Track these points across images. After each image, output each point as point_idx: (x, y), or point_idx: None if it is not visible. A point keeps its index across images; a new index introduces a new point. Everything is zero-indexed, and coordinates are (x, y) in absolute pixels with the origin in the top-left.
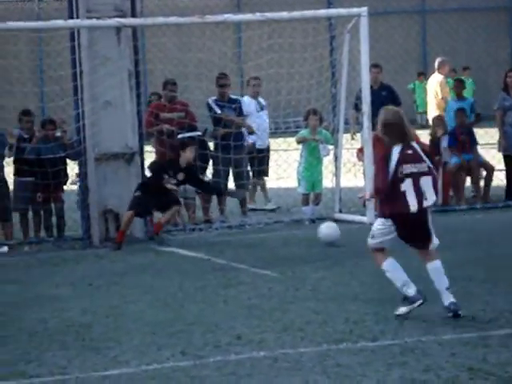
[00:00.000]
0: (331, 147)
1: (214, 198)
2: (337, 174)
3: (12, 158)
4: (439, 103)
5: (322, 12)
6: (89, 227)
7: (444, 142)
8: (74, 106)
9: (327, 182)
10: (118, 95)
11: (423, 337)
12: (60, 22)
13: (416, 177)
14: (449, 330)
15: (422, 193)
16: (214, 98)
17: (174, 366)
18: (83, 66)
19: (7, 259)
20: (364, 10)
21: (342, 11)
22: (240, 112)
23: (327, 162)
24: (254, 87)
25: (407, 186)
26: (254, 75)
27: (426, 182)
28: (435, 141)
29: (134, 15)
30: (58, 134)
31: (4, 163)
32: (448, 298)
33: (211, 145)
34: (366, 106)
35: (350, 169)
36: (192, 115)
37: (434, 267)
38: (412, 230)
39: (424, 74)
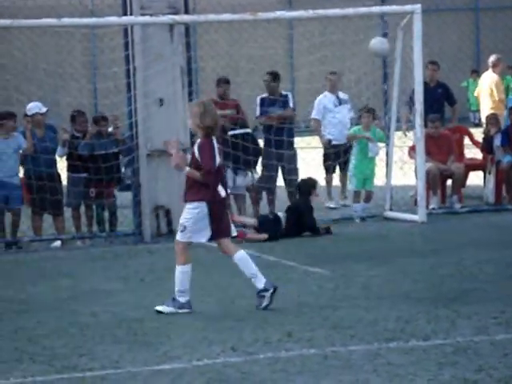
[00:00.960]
0: (382, 145)
1: (264, 196)
2: (388, 172)
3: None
4: (495, 103)
5: (376, 9)
6: (140, 223)
7: (497, 141)
8: (126, 103)
9: (378, 179)
10: (170, 92)
11: (475, 337)
12: (114, 19)
13: (222, 167)
14: (501, 330)
15: (225, 182)
16: (264, 95)
17: (225, 361)
18: (136, 62)
19: (60, 253)
20: (417, 7)
21: (396, 8)
22: (285, 107)
23: (378, 159)
24: (331, 82)
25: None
26: (332, 70)
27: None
28: (488, 139)
29: (187, 12)
30: (111, 129)
31: (57, 158)
32: (261, 281)
33: (261, 141)
34: (418, 104)
35: (401, 167)
36: (243, 112)
37: (241, 257)
38: (221, 217)
39: (477, 72)
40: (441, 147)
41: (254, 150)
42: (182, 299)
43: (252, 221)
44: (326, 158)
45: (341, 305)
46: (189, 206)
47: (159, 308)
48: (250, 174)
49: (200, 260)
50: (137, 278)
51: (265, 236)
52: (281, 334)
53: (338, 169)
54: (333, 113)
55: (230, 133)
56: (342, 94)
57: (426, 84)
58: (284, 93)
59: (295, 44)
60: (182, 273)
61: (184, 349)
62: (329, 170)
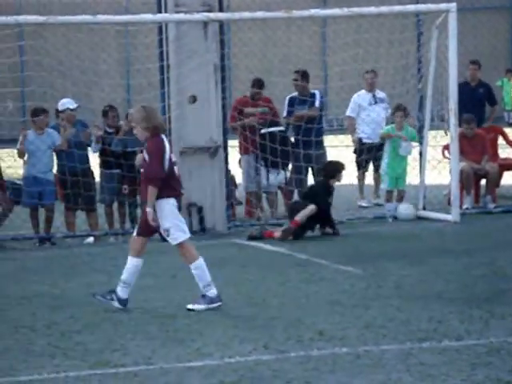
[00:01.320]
0: (416, 144)
1: (296, 194)
2: (421, 171)
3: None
4: None
5: (411, 7)
6: None
7: None
8: (160, 99)
9: (412, 178)
10: (203, 89)
11: (509, 337)
12: (148, 16)
13: (175, 164)
14: None
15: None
16: (293, 94)
17: (257, 359)
18: (170, 59)
19: (93, 249)
20: (453, 5)
21: (431, 7)
22: (312, 106)
23: (412, 158)
24: (367, 81)
25: (176, 171)
26: (370, 68)
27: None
28: None
29: (221, 10)
30: None
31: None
32: (126, 293)
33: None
34: (452, 103)
35: (435, 166)
36: (275, 110)
37: (136, 263)
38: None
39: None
40: (475, 147)
41: (286, 149)
42: (211, 293)
43: (310, 208)
44: (357, 154)
45: (373, 304)
46: (160, 205)
47: (190, 306)
48: (282, 172)
49: (232, 257)
50: (168, 274)
51: (290, 236)
52: (313, 333)
53: (371, 168)
54: (367, 111)
55: (263, 131)
56: (379, 93)
57: (467, 83)
58: (312, 91)
59: (329, 42)
60: (196, 269)
61: (216, 346)
62: (360, 167)
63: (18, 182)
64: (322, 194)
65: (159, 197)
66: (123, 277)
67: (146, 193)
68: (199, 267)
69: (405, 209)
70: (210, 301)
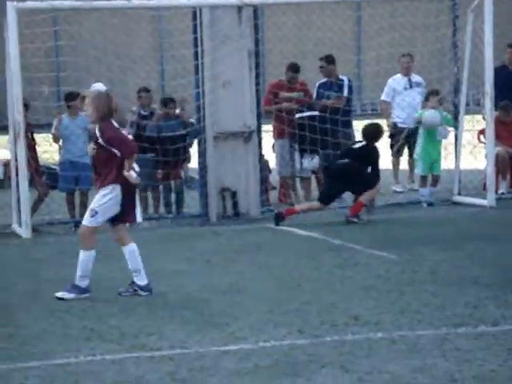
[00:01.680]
0: (451, 129)
1: None
2: (457, 156)
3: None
4: None
5: None
6: (207, 205)
7: None
8: (194, 85)
9: (447, 163)
10: (237, 74)
11: None
12: (183, 1)
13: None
14: None
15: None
16: (323, 80)
17: (291, 343)
18: (204, 44)
19: None
20: None
21: None
22: (340, 92)
23: (447, 143)
24: (402, 64)
25: None
26: (406, 52)
27: None
28: None
29: None
30: (178, 111)
31: None
32: (143, 279)
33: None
34: (488, 87)
35: (470, 151)
36: (311, 95)
37: (132, 250)
38: (129, 200)
39: None
40: (511, 132)
41: (324, 129)
42: (83, 284)
43: (376, 190)
44: (392, 139)
45: (408, 289)
46: (104, 190)
47: (59, 294)
48: (316, 156)
49: (266, 242)
50: (203, 259)
51: (318, 205)
52: (347, 318)
53: (406, 152)
54: (402, 95)
55: (297, 115)
56: (415, 77)
57: (504, 67)
58: (341, 77)
59: (364, 26)
60: (87, 257)
61: (250, 330)
62: (394, 151)
63: (54, 166)
64: (371, 157)
65: (110, 182)
66: (130, 267)
67: (103, 178)
68: (89, 256)
69: (431, 115)
70: (81, 291)
